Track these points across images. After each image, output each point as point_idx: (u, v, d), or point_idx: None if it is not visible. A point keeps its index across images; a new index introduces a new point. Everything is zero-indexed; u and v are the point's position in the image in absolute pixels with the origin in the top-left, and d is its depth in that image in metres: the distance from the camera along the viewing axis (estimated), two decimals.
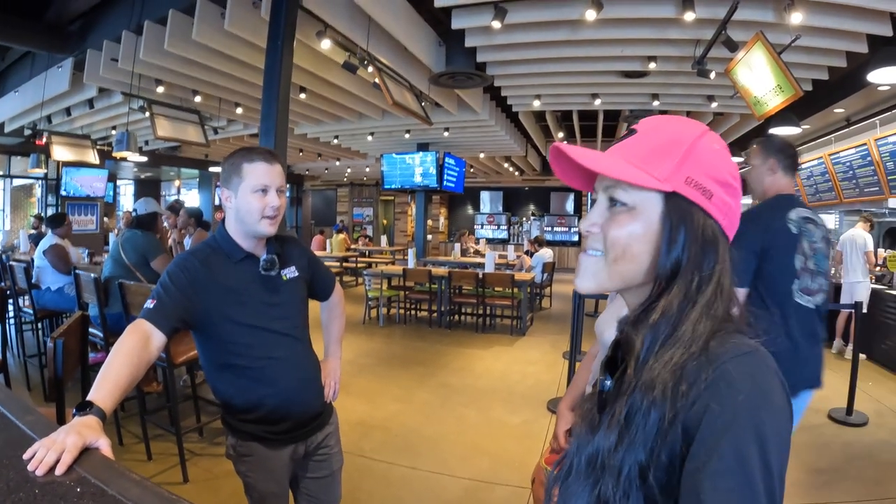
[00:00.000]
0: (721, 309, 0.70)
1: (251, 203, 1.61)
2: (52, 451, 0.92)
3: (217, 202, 15.01)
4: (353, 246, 13.68)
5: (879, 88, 6.02)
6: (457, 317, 8.21)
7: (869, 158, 6.73)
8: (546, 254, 9.45)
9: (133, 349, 1.40)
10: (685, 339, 0.68)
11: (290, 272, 1.78)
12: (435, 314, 7.99)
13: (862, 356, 5.66)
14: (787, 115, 6.60)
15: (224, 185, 1.67)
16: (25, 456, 0.91)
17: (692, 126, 0.75)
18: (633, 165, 0.73)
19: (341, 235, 13.01)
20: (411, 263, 8.49)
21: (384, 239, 15.48)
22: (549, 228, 18.25)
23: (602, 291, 0.80)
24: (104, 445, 1.03)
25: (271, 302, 1.70)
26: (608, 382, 0.74)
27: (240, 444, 1.70)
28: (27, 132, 8.52)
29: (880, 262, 6.77)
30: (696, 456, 0.61)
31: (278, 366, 1.68)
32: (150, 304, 1.54)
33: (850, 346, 5.04)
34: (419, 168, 10.62)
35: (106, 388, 1.25)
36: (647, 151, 0.74)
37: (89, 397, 1.19)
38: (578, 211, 18.28)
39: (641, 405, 0.66)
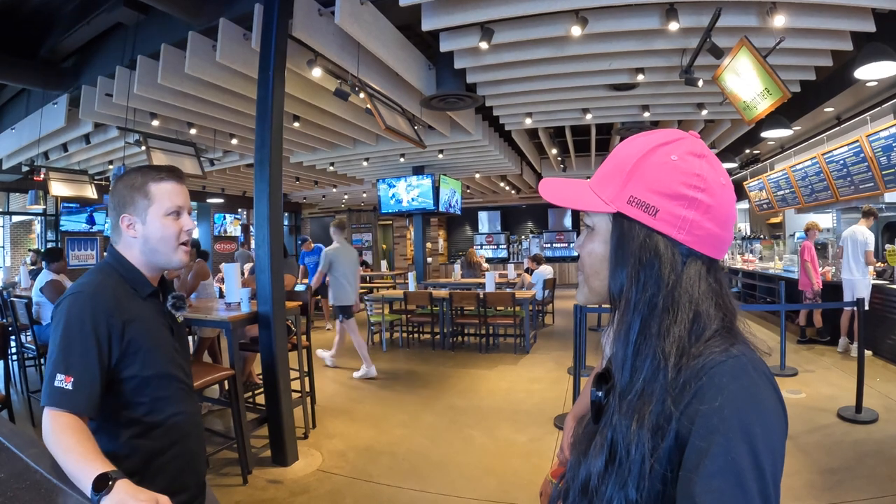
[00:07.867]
0: (683, 324, 0.70)
1: (166, 228, 1.41)
2: None
3: (215, 232, 15.04)
4: None
5: (867, 84, 6.03)
6: (460, 338, 8.18)
7: (862, 155, 6.76)
8: (546, 270, 9.44)
9: (78, 426, 1.18)
10: (653, 361, 0.69)
11: (182, 313, 1.55)
12: (438, 336, 7.95)
13: (868, 353, 5.65)
14: (778, 117, 6.69)
15: (123, 210, 1.42)
16: None
17: (647, 142, 0.75)
18: (592, 190, 0.78)
19: None
20: (412, 287, 8.48)
21: (384, 263, 15.47)
22: (549, 245, 18.24)
23: (589, 304, 0.83)
24: (165, 501, 1.06)
25: (175, 347, 1.48)
26: (599, 393, 0.78)
27: None
28: (25, 169, 8.56)
29: (882, 253, 6.77)
30: (688, 460, 0.62)
31: (186, 421, 1.45)
32: (63, 382, 1.21)
33: (856, 344, 5.03)
34: (415, 191, 10.66)
35: (98, 454, 1.12)
36: (603, 175, 0.78)
37: (97, 470, 1.05)
38: (577, 226, 18.28)
39: (621, 441, 0.69)
